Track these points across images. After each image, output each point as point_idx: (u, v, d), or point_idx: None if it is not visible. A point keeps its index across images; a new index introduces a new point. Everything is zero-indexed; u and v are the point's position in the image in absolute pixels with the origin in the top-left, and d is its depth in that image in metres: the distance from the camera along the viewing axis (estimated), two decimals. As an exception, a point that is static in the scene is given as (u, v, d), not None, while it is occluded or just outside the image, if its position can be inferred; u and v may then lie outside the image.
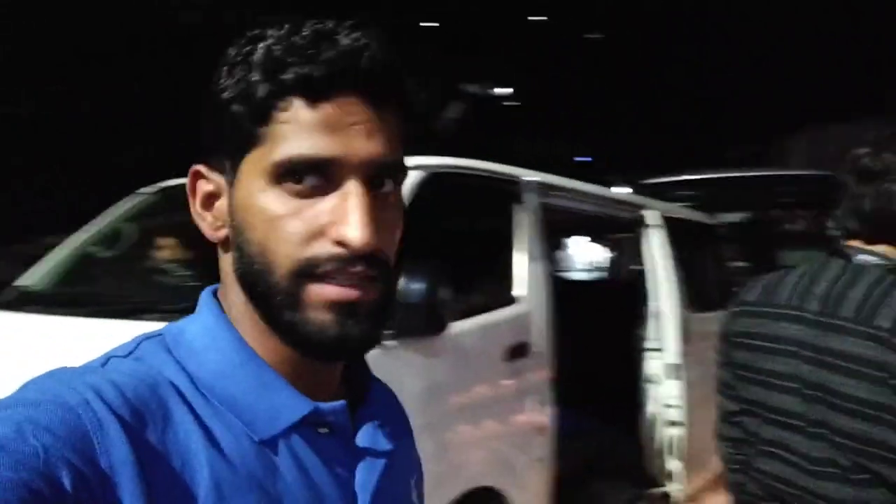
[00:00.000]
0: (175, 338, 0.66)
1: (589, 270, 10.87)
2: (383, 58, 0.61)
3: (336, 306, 0.60)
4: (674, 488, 3.72)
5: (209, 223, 0.67)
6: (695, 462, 3.74)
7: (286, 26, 0.61)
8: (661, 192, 5.41)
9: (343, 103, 0.60)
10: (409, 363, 2.21)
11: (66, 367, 0.60)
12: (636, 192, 5.64)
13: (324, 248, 0.60)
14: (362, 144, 0.60)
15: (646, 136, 22.73)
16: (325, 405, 0.66)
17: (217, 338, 0.65)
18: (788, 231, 7.77)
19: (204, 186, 0.68)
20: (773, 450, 1.50)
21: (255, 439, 0.62)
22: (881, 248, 1.42)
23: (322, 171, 0.60)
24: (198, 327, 0.66)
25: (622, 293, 4.16)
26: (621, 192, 5.02)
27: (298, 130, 0.59)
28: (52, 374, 0.58)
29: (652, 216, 3.84)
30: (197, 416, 0.60)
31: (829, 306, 1.41)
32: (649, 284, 3.75)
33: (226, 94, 0.62)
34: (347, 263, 0.59)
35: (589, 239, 9.11)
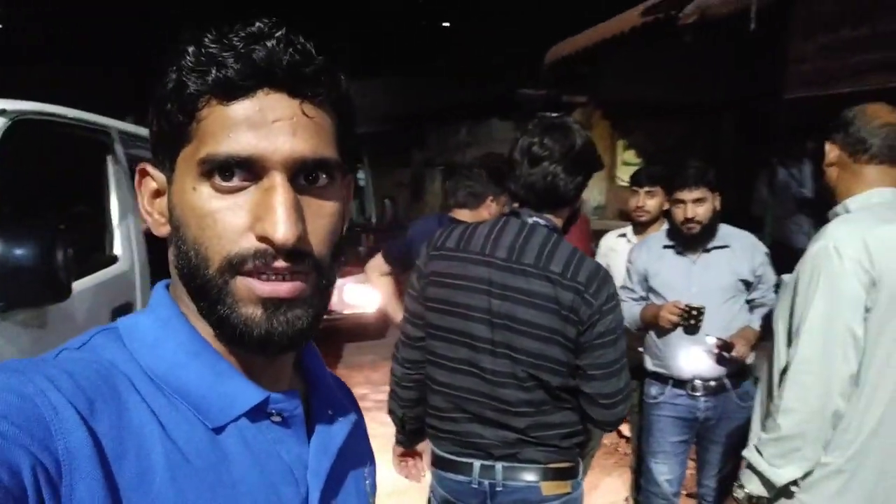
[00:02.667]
0: (129, 330, 0.66)
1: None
2: (310, 55, 0.62)
3: (265, 301, 0.61)
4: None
5: (154, 220, 0.68)
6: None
7: (223, 27, 0.62)
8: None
9: (266, 100, 0.60)
10: (16, 337, 1.97)
11: (18, 360, 0.58)
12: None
13: (249, 244, 0.60)
14: (285, 141, 0.60)
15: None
16: (277, 394, 0.67)
17: (170, 330, 0.66)
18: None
19: (149, 184, 0.68)
20: (463, 367, 1.84)
21: (208, 427, 0.63)
22: (549, 215, 1.84)
23: (246, 167, 0.60)
24: (151, 320, 0.67)
25: None
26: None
27: (221, 128, 0.60)
28: (4, 365, 0.56)
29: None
30: (150, 406, 0.60)
31: (513, 254, 1.79)
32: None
33: (162, 93, 0.62)
34: (272, 259, 0.60)
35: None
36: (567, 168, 1.81)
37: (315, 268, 0.63)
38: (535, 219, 1.83)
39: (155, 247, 2.88)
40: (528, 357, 1.77)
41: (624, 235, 3.68)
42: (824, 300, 1.71)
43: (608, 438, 4.82)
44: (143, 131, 3.04)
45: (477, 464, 1.84)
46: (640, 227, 3.60)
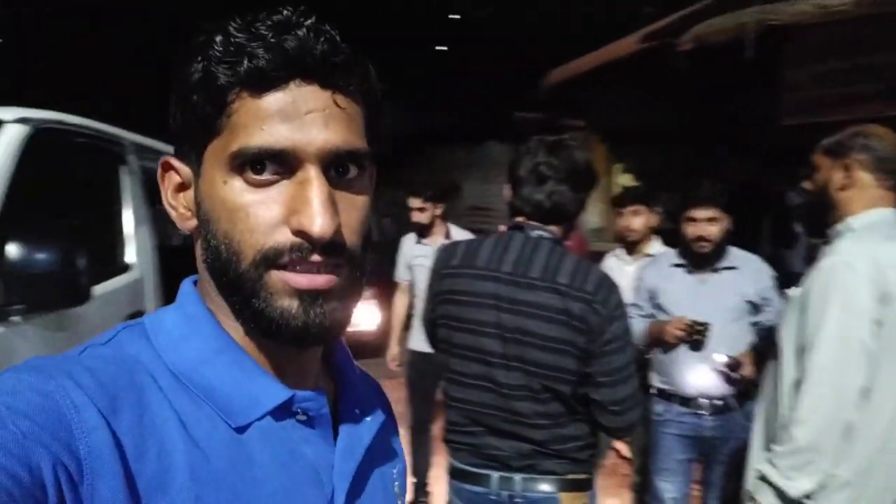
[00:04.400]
0: (154, 326, 0.65)
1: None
2: (340, 45, 0.61)
3: (301, 293, 0.60)
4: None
5: (179, 214, 0.66)
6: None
7: (247, 17, 0.60)
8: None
9: (299, 91, 0.59)
10: (36, 339, 1.98)
11: (43, 356, 0.58)
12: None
13: (285, 237, 0.59)
14: (319, 132, 0.59)
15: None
16: (303, 392, 0.66)
17: (196, 326, 0.65)
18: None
19: (173, 177, 0.66)
20: (478, 382, 1.86)
21: (231, 426, 0.62)
22: (553, 228, 1.87)
23: (279, 160, 0.59)
24: (177, 316, 0.66)
25: None
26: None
27: (254, 120, 0.58)
28: (28, 363, 0.56)
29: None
30: (173, 404, 0.59)
31: (520, 268, 1.81)
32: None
33: (187, 85, 0.61)
34: (308, 252, 0.59)
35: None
36: (573, 186, 1.86)
37: (349, 260, 0.63)
38: (539, 232, 1.87)
39: (166, 256, 2.91)
40: (542, 369, 1.79)
41: (616, 256, 3.74)
42: (839, 313, 1.74)
43: (609, 459, 4.82)
44: (156, 144, 3.08)
45: (495, 475, 1.86)
46: (631, 247, 3.66)
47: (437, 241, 4.04)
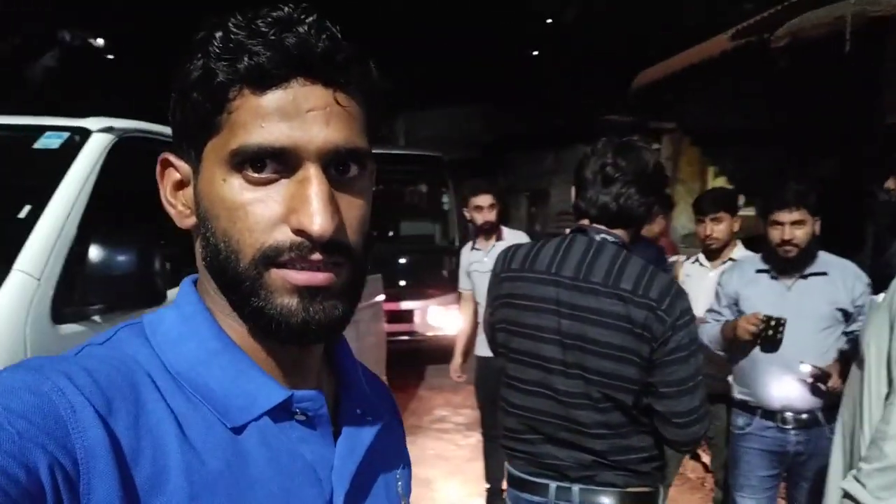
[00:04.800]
0: (153, 325, 0.65)
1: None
2: (342, 43, 0.61)
3: (300, 290, 0.60)
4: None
5: (178, 212, 0.66)
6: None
7: (248, 13, 0.60)
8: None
9: (299, 89, 0.59)
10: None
11: (38, 357, 0.58)
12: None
13: (284, 236, 0.59)
14: (320, 131, 0.59)
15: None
16: (301, 392, 0.65)
17: (194, 326, 0.64)
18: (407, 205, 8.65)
19: (172, 174, 0.66)
20: (536, 389, 1.83)
21: (228, 427, 0.61)
22: (618, 231, 1.82)
23: (279, 158, 0.59)
24: (176, 316, 0.65)
25: None
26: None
27: (254, 118, 0.58)
28: (25, 363, 0.56)
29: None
30: (169, 405, 0.59)
31: (581, 272, 1.77)
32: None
33: (187, 82, 0.60)
34: (308, 251, 0.59)
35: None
36: (640, 188, 1.80)
37: (349, 259, 0.62)
38: (603, 235, 1.81)
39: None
40: (602, 377, 1.73)
41: (697, 261, 3.61)
42: None
43: (694, 473, 4.65)
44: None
45: (553, 485, 1.81)
46: (714, 253, 3.53)
47: (490, 244, 4.00)
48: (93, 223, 2.10)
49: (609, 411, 1.75)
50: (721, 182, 7.38)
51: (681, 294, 1.74)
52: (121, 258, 2.00)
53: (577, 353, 1.75)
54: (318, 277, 0.60)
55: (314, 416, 0.66)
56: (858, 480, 1.71)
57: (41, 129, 2.33)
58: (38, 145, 2.28)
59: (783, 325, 2.64)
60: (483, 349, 3.76)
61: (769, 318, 2.66)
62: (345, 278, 0.63)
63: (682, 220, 7.42)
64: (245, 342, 0.65)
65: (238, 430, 0.62)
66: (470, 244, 4.16)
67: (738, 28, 5.06)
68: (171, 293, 2.30)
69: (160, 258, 2.08)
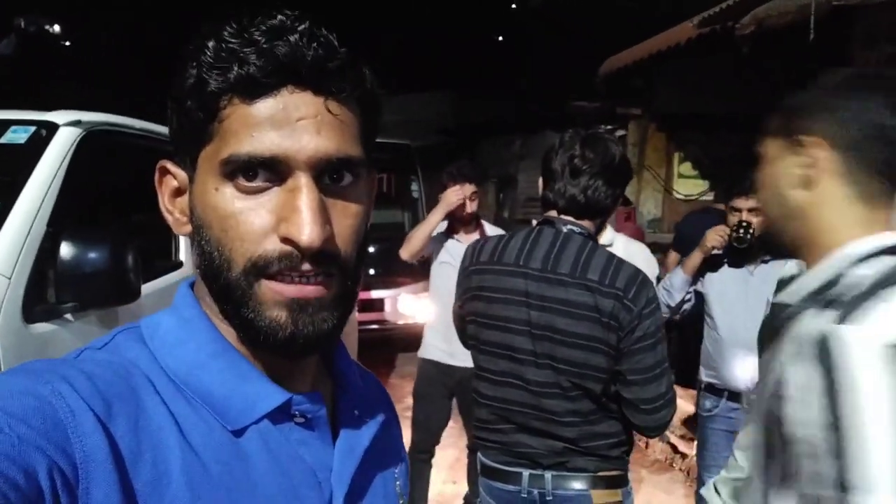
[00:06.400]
0: (151, 330, 0.64)
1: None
2: (335, 50, 0.60)
3: (290, 303, 0.60)
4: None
5: (175, 219, 0.67)
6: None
7: (242, 21, 0.59)
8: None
9: (290, 98, 0.58)
10: (88, 336, 2.07)
11: (38, 360, 0.58)
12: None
13: (274, 246, 0.59)
14: (310, 140, 0.59)
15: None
16: (299, 395, 0.65)
17: (192, 330, 0.64)
18: (376, 193, 8.59)
19: (170, 182, 0.66)
20: (507, 379, 1.85)
21: (228, 430, 0.61)
22: (585, 223, 1.85)
23: (270, 167, 0.58)
24: (174, 320, 0.65)
25: None
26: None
27: (244, 127, 0.58)
28: (24, 367, 0.56)
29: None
30: (169, 408, 0.59)
31: (549, 264, 1.80)
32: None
33: (181, 90, 0.60)
34: (297, 261, 0.59)
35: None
36: (608, 180, 1.82)
37: (341, 269, 0.62)
38: (570, 227, 1.84)
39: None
40: (572, 367, 1.77)
41: None
42: None
43: (663, 453, 4.75)
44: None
45: (526, 473, 1.85)
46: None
47: (471, 239, 3.27)
48: (63, 219, 2.07)
49: (579, 399, 1.79)
50: (686, 168, 7.49)
51: (646, 283, 1.78)
52: (92, 255, 1.98)
53: (546, 344, 1.78)
54: (308, 290, 0.60)
55: (313, 418, 0.66)
56: (716, 488, 1.73)
57: (6, 124, 2.28)
58: (3, 140, 2.23)
59: (752, 226, 2.76)
60: (430, 351, 3.52)
61: (740, 222, 2.78)
62: (335, 290, 0.62)
63: (650, 206, 7.51)
64: (242, 346, 0.65)
65: (238, 433, 0.62)
66: (443, 234, 3.56)
67: (704, 15, 5.12)
68: (145, 288, 2.29)
69: (133, 254, 2.06)
